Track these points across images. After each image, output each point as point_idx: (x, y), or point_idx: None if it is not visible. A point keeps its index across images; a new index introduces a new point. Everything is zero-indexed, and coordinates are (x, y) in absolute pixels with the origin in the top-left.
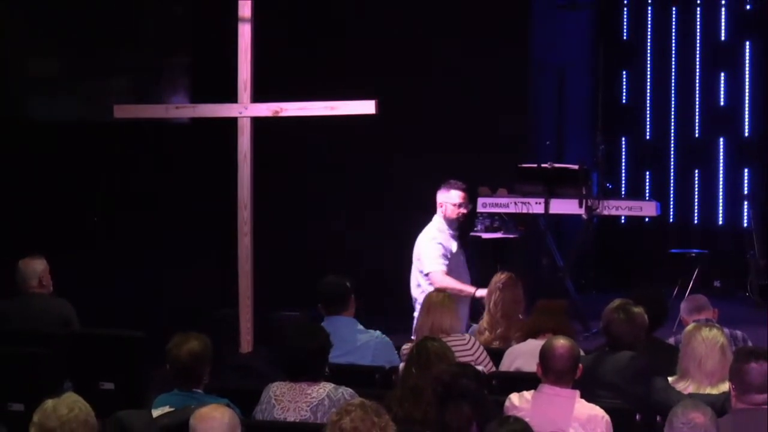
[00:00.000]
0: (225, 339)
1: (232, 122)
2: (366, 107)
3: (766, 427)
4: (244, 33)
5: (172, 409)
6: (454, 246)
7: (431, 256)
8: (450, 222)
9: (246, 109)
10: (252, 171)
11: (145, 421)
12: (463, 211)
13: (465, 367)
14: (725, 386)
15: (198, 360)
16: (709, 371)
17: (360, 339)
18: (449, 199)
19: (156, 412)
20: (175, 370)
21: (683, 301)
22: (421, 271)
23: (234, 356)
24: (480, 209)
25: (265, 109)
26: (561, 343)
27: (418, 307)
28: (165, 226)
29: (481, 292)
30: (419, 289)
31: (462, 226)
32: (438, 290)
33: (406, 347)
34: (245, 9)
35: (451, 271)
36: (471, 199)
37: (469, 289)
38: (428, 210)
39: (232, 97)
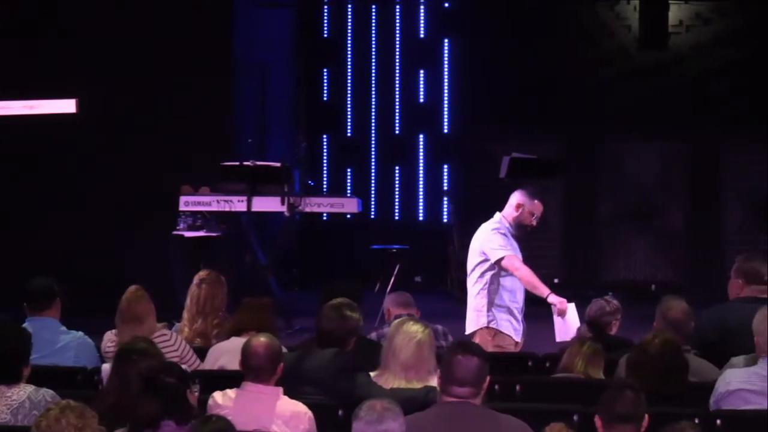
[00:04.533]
0: None
1: None
2: (66, 106)
3: (467, 419)
4: None
5: None
6: (516, 245)
7: (499, 244)
8: (519, 226)
9: None
10: None
11: None
12: (534, 222)
13: (170, 365)
14: (426, 382)
15: None
16: (403, 363)
17: (62, 340)
18: (532, 207)
19: None
20: None
21: (389, 294)
22: (486, 261)
23: None
24: (182, 207)
25: None
26: (260, 341)
27: (483, 308)
28: None
29: (554, 299)
30: (479, 286)
31: (523, 236)
32: (137, 292)
33: (110, 347)
34: None
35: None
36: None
37: (543, 289)
38: (138, 209)
39: None
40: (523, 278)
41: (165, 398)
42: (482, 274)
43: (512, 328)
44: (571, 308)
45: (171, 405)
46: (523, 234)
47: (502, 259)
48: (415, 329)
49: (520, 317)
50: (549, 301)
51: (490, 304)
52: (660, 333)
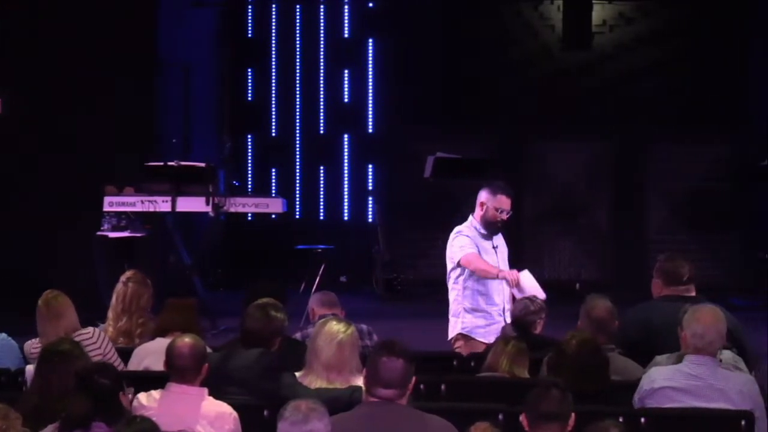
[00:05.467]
0: None
1: None
2: None
3: (393, 419)
4: None
5: None
6: (486, 245)
7: (458, 246)
8: (487, 223)
9: None
10: None
11: None
12: (502, 217)
13: (105, 365)
14: (349, 382)
15: None
16: (325, 364)
17: None
18: (495, 203)
19: None
20: None
21: (314, 294)
22: (455, 268)
23: None
24: (107, 208)
25: None
26: (185, 341)
27: (459, 314)
28: None
29: (504, 274)
30: (454, 292)
31: (498, 231)
32: (53, 292)
33: (36, 348)
34: None
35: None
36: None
37: (493, 271)
38: (62, 209)
39: None
40: (477, 271)
41: (97, 399)
42: (456, 280)
43: (492, 333)
44: (524, 275)
45: (102, 406)
46: (495, 231)
47: (461, 260)
48: (337, 329)
49: (502, 319)
50: (500, 278)
51: (465, 310)
52: (577, 333)
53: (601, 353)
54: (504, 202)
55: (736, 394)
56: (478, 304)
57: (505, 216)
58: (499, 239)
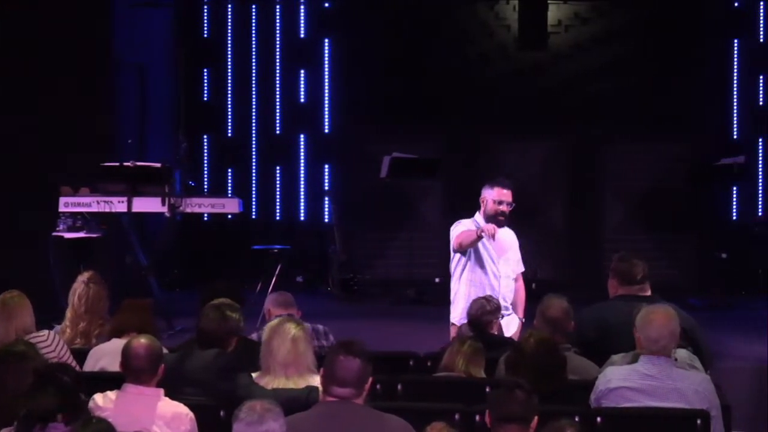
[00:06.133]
0: None
1: None
2: None
3: (349, 418)
4: None
5: None
6: (485, 240)
7: (453, 234)
8: (488, 218)
9: None
10: None
11: None
12: (503, 209)
13: (65, 365)
14: (306, 381)
15: None
16: (281, 362)
17: None
18: (494, 195)
19: None
20: None
21: (270, 294)
22: (455, 256)
23: None
24: (62, 209)
25: None
26: (141, 342)
27: (453, 303)
28: None
29: (482, 227)
30: (453, 283)
31: (501, 225)
32: (13, 292)
33: None
34: None
35: (478, 267)
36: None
37: (472, 233)
38: (17, 209)
39: None
40: (463, 241)
41: (59, 395)
42: (453, 270)
43: None
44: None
45: (66, 401)
46: (497, 225)
47: (453, 244)
48: (289, 326)
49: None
50: (479, 234)
51: (458, 299)
52: (535, 332)
53: (559, 353)
54: (502, 193)
55: (692, 393)
56: (470, 294)
57: (505, 208)
58: (503, 233)
